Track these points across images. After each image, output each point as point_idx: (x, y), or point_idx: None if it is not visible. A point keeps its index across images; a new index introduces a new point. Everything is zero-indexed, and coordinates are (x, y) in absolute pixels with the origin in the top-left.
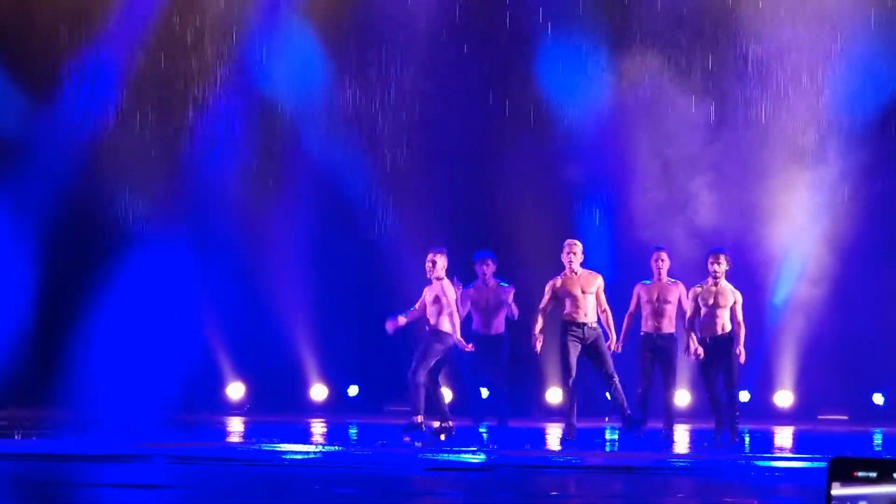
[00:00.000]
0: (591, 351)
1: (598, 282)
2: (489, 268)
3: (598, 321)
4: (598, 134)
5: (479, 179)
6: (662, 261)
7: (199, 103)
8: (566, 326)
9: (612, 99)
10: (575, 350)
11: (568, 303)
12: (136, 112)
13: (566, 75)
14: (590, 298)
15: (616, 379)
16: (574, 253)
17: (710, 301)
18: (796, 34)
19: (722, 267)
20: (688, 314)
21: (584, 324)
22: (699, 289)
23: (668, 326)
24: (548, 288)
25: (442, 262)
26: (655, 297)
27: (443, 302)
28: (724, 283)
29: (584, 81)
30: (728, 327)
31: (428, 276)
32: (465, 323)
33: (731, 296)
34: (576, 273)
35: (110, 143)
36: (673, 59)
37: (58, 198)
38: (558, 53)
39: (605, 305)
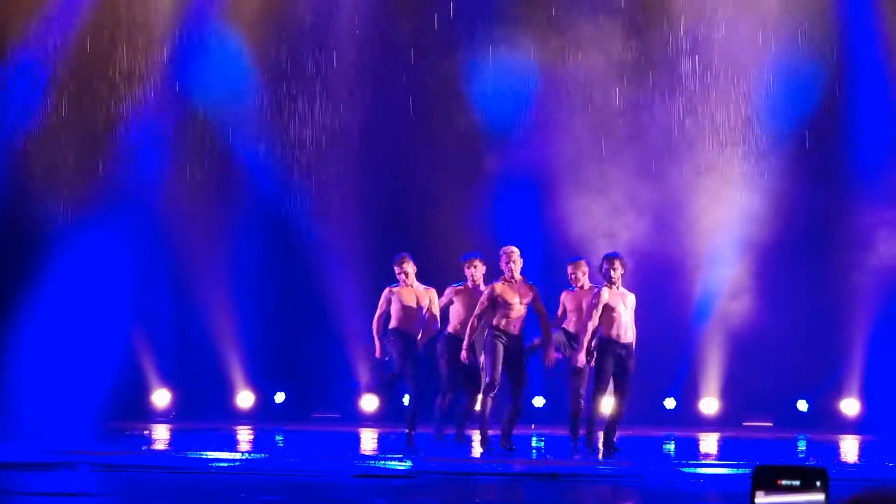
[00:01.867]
0: (514, 362)
1: (535, 292)
2: (477, 269)
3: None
4: (522, 135)
5: (405, 182)
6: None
7: (126, 106)
8: (497, 334)
9: (537, 101)
10: (501, 360)
11: (502, 312)
12: (61, 114)
13: (494, 78)
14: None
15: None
16: (514, 261)
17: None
18: (724, 41)
19: (618, 272)
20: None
21: (516, 335)
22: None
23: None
24: (486, 295)
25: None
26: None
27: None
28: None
29: (510, 83)
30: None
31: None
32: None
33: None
34: (515, 281)
35: (35, 147)
36: (595, 64)
37: None
38: (486, 58)
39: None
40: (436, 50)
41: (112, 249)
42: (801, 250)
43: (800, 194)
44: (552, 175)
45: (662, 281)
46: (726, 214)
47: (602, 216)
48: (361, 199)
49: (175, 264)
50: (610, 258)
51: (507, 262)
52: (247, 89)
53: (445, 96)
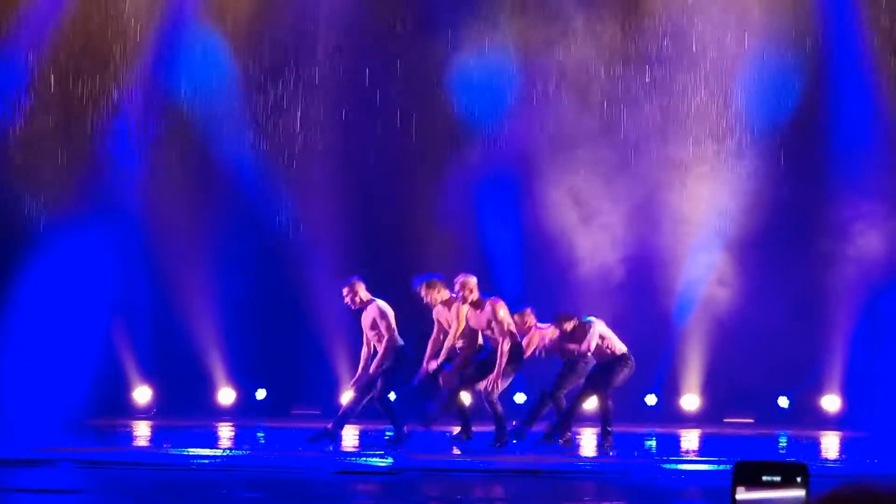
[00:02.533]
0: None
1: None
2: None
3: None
4: (500, 127)
5: (386, 180)
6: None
7: (106, 105)
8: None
9: (515, 104)
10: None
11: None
12: (42, 113)
13: (473, 70)
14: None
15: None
16: (471, 290)
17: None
18: (705, 35)
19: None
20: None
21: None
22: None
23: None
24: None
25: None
26: None
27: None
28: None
29: (489, 75)
30: None
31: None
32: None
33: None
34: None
35: (16, 144)
36: (574, 57)
37: None
38: (466, 48)
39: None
40: (416, 41)
41: (93, 247)
42: (782, 247)
43: (779, 190)
44: (532, 169)
45: (643, 277)
46: (706, 210)
47: (580, 211)
48: (342, 198)
49: (156, 262)
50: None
51: (459, 290)
52: (228, 89)
53: (425, 89)
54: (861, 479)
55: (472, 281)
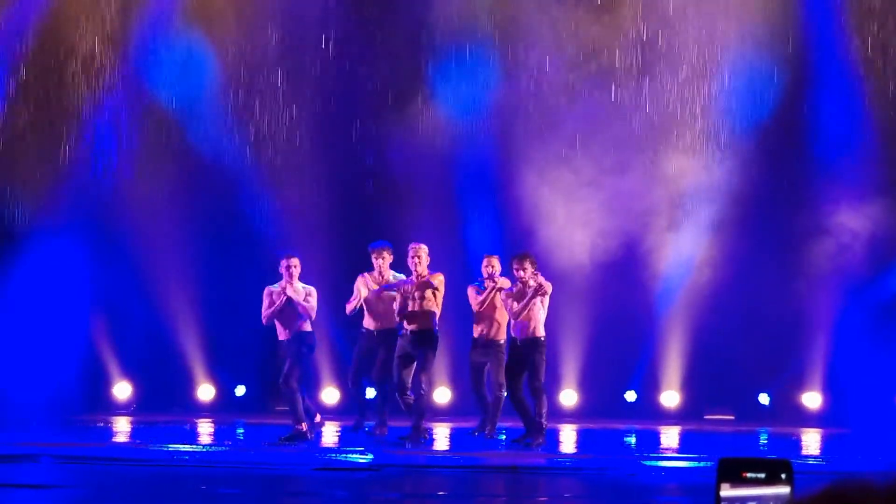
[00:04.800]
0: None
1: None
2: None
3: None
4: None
5: (369, 175)
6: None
7: (88, 99)
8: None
9: (497, 96)
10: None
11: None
12: (23, 107)
13: (457, 77)
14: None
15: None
16: (419, 256)
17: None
18: (685, 30)
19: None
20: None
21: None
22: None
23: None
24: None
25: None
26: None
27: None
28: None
29: (472, 81)
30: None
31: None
32: None
33: None
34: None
35: None
36: (551, 55)
37: None
38: (451, 56)
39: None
40: (401, 43)
41: (72, 242)
42: (762, 242)
43: (759, 186)
44: (511, 167)
45: (622, 274)
46: (686, 206)
47: (560, 208)
48: (324, 193)
49: (137, 256)
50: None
51: (412, 258)
52: (209, 85)
53: (409, 90)
54: (851, 476)
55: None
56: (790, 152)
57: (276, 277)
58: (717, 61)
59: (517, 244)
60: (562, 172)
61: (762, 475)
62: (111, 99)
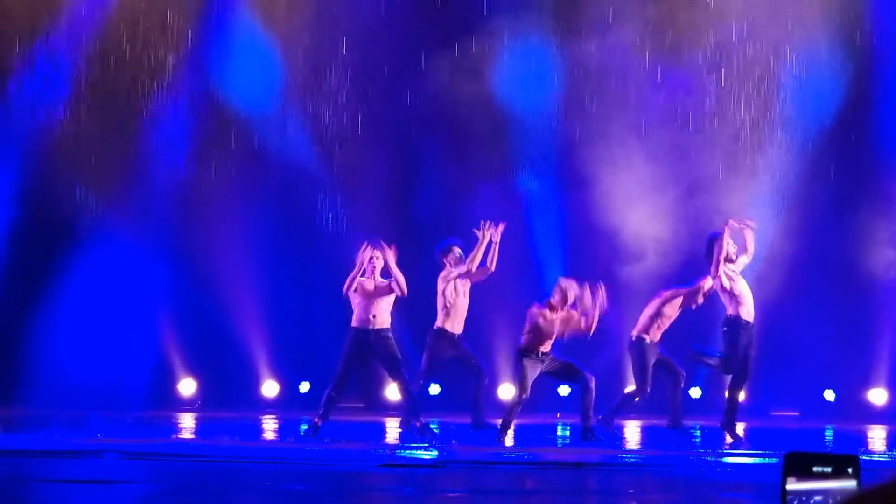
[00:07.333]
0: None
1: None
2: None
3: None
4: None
5: (427, 174)
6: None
7: (153, 99)
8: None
9: (559, 91)
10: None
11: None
12: (89, 108)
13: (516, 66)
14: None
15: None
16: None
17: None
18: (748, 35)
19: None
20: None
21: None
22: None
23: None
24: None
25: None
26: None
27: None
28: None
29: (532, 70)
30: None
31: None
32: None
33: None
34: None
35: (63, 139)
36: (612, 45)
37: (10, 194)
38: (510, 44)
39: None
40: (454, 33)
41: (139, 240)
42: (826, 239)
43: (825, 182)
44: (574, 163)
45: (687, 271)
46: (752, 202)
47: (625, 204)
48: (385, 190)
49: (201, 254)
50: None
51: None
52: (270, 85)
53: (465, 82)
54: None
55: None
56: (856, 149)
57: (337, 274)
58: (785, 58)
59: (581, 247)
60: (622, 168)
61: (829, 469)
62: (178, 98)
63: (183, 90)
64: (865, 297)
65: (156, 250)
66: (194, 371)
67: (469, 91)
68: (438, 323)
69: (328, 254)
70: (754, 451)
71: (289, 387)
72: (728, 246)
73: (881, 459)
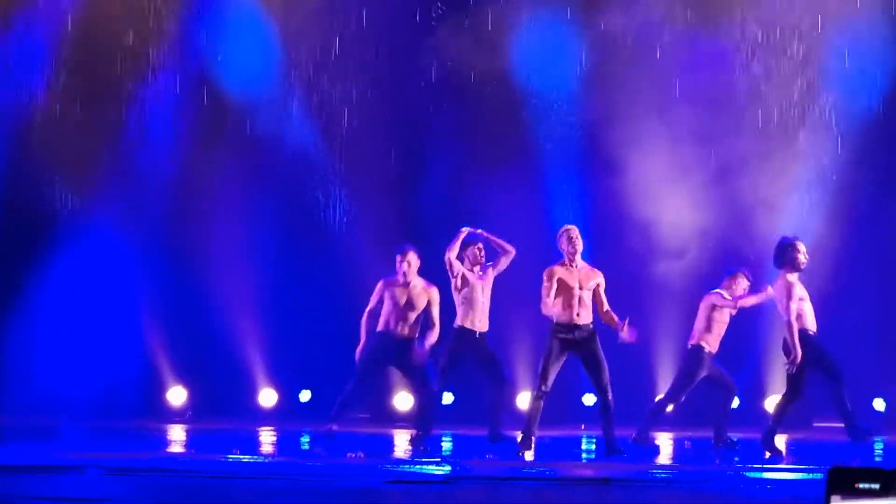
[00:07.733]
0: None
1: (599, 279)
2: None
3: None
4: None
5: (438, 168)
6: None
7: (139, 88)
8: (557, 327)
9: (584, 78)
10: (561, 356)
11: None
12: (71, 98)
13: (539, 49)
14: (586, 295)
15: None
16: (574, 238)
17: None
18: (792, 23)
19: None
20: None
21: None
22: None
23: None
24: (546, 277)
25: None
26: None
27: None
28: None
29: (556, 53)
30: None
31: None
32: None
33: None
34: (576, 265)
35: (44, 132)
36: (656, 40)
37: None
38: (531, 28)
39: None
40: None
41: (126, 240)
42: (881, 245)
43: (878, 190)
44: (600, 144)
45: (721, 274)
46: (790, 202)
47: (656, 192)
48: (390, 187)
49: (193, 255)
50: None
51: (568, 243)
52: (267, 67)
53: (482, 59)
54: None
55: None
56: None
57: (338, 279)
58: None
59: (610, 238)
60: (657, 152)
61: (876, 486)
62: (168, 82)
63: (173, 72)
64: None
65: (141, 247)
66: (184, 378)
67: (484, 67)
68: (458, 321)
69: (331, 250)
70: (796, 466)
71: (288, 396)
72: (795, 288)
73: None
